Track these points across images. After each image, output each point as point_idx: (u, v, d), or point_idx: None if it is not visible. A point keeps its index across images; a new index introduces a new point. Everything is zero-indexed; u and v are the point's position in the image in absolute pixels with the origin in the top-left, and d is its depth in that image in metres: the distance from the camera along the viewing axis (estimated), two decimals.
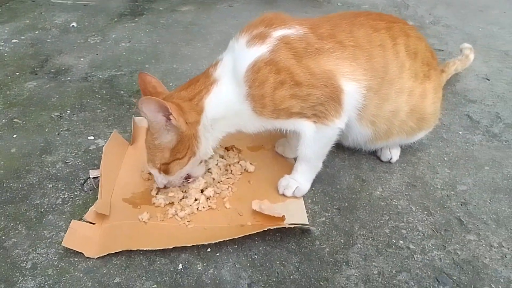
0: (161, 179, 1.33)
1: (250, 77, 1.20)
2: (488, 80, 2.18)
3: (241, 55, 1.23)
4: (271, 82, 1.19)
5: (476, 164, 1.58)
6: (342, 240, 1.25)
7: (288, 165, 1.54)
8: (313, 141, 1.30)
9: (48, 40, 2.58)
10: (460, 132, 1.76)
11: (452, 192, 1.44)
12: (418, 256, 1.21)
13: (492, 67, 2.31)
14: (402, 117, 1.39)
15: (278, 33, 1.22)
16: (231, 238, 1.20)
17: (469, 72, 2.23)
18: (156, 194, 1.38)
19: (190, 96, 1.27)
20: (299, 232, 1.28)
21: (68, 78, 2.16)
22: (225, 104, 1.26)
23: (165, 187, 1.37)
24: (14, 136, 1.70)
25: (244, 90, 1.22)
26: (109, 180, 1.42)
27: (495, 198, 1.42)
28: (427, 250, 1.23)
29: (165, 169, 1.30)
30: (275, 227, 1.22)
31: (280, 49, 1.20)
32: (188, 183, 1.37)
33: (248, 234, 1.20)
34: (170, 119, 1.18)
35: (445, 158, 1.60)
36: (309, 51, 1.21)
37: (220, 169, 1.47)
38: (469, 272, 1.16)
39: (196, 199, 1.35)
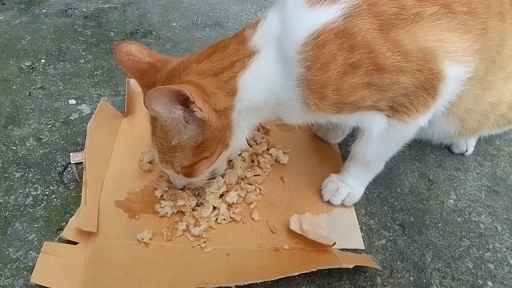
0: (178, 180, 0.97)
1: (310, 54, 0.77)
2: None
3: (297, 17, 0.78)
4: (339, 63, 0.77)
5: None
6: (411, 278, 0.93)
7: (331, 154, 1.18)
8: (381, 141, 0.93)
9: None
10: None
11: None
12: None
13: None
14: (503, 110, 1.02)
15: None
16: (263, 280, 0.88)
17: None
18: (161, 197, 1.03)
19: (216, 70, 0.83)
20: None
21: (44, 11, 1.70)
22: (267, 89, 0.84)
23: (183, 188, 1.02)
24: None
25: (295, 71, 0.80)
26: (97, 173, 1.06)
27: None
28: None
29: (188, 172, 0.91)
30: (326, 267, 0.89)
31: (360, 14, 0.76)
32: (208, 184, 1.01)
33: (287, 275, 0.87)
34: (192, 111, 0.77)
35: None
36: (402, 18, 0.77)
37: (244, 161, 1.11)
38: None
39: (215, 208, 1.01)
